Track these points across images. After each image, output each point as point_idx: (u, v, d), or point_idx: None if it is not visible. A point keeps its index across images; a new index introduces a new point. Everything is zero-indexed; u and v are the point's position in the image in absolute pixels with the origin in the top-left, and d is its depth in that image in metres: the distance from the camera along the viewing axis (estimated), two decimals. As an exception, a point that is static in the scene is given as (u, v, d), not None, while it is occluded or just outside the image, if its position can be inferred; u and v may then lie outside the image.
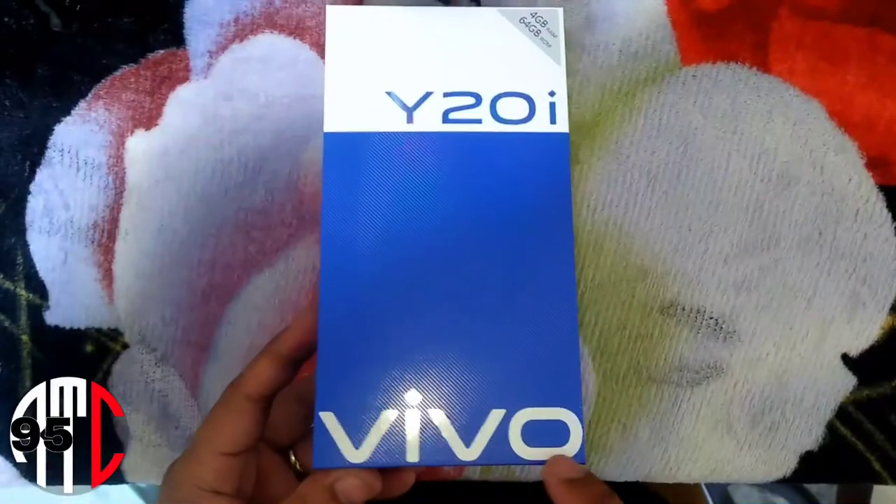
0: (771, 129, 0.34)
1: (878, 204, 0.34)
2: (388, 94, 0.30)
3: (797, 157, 0.34)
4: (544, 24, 0.31)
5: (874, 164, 0.34)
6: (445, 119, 0.30)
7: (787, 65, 0.34)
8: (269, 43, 0.35)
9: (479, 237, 0.29)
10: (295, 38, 0.35)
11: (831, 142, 0.34)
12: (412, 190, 0.29)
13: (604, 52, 0.34)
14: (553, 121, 0.30)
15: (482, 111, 0.30)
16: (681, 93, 0.34)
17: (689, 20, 0.35)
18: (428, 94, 0.30)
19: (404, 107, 0.30)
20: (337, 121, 0.30)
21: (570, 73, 0.34)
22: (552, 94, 0.30)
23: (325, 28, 0.31)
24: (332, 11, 0.31)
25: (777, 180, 0.34)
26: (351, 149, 0.29)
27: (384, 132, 0.29)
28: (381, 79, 0.30)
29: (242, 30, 0.35)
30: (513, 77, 0.30)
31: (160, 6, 0.35)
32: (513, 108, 0.30)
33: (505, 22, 0.31)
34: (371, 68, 0.30)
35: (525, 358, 0.27)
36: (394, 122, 0.30)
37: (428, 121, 0.30)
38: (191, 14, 0.35)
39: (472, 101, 0.30)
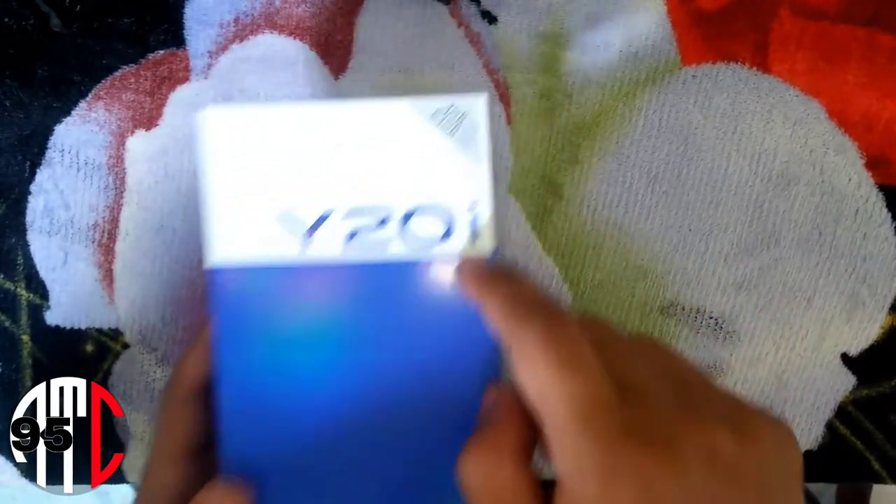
0: (771, 129, 0.34)
1: (877, 204, 0.34)
2: (281, 215, 0.26)
3: (797, 156, 0.34)
4: (462, 118, 0.26)
5: (874, 163, 0.34)
6: (349, 243, 0.26)
7: (787, 65, 0.34)
8: (269, 43, 0.35)
9: (390, 384, 0.25)
10: (295, 38, 0.35)
11: (831, 142, 0.34)
12: (315, 333, 0.25)
13: (604, 52, 0.35)
14: (475, 238, 0.25)
15: (391, 231, 0.26)
16: (681, 93, 0.34)
17: (689, 20, 0.35)
18: (327, 214, 0.26)
19: (300, 230, 0.26)
20: (223, 252, 0.26)
21: (571, 72, 0.34)
22: (473, 206, 0.26)
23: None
24: (209, 114, 0.26)
25: (777, 180, 0.34)
26: (241, 285, 0.26)
27: (277, 265, 0.26)
28: (272, 196, 0.26)
29: (242, 30, 0.35)
30: (426, 188, 0.26)
31: (160, 6, 0.35)
32: (427, 226, 0.26)
33: (414, 118, 0.26)
34: (260, 183, 0.26)
35: (435, 498, 0.25)
36: (288, 249, 0.26)
37: (328, 246, 0.26)
38: (191, 14, 0.35)
39: (378, 219, 0.26)
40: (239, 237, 0.26)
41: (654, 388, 0.21)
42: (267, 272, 0.26)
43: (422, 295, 0.25)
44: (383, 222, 0.26)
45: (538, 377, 0.20)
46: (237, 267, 0.26)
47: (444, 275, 0.25)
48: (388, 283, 0.26)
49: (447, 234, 0.26)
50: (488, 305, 0.23)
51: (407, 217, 0.26)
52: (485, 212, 0.26)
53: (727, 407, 0.21)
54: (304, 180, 0.26)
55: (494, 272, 0.24)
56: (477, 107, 0.26)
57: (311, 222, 0.26)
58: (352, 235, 0.26)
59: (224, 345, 0.25)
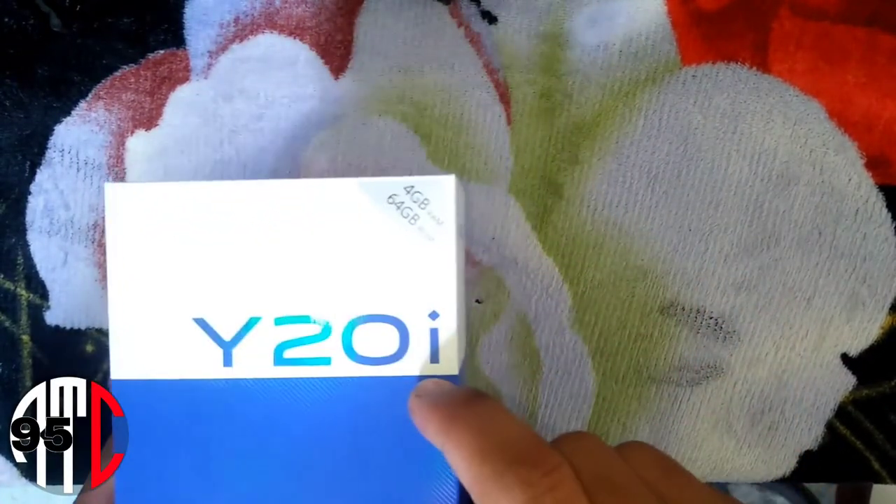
0: (771, 129, 0.34)
1: (877, 204, 0.34)
2: (198, 321, 0.22)
3: (797, 156, 0.34)
4: (424, 204, 0.21)
5: (874, 163, 0.34)
6: (279, 359, 0.21)
7: (787, 65, 0.34)
8: (269, 43, 0.35)
9: None
10: (295, 38, 0.35)
11: (831, 142, 0.34)
12: (238, 462, 0.21)
13: (604, 52, 0.35)
14: (435, 358, 0.21)
15: (331, 346, 0.21)
16: (681, 93, 0.34)
17: (689, 20, 0.35)
18: (253, 322, 0.21)
19: (220, 342, 0.21)
20: (128, 363, 0.22)
21: (571, 72, 0.34)
22: (434, 315, 0.21)
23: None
24: (108, 191, 0.22)
25: (777, 180, 0.34)
26: (150, 403, 0.22)
27: (193, 380, 0.22)
28: (186, 298, 0.22)
29: (242, 30, 0.35)
30: (376, 291, 0.21)
31: (160, 6, 0.35)
32: (376, 341, 0.21)
33: (365, 203, 0.21)
34: (172, 282, 0.22)
35: None
36: (207, 364, 0.21)
37: (253, 362, 0.21)
38: (191, 14, 0.35)
39: (316, 330, 0.21)
40: (148, 347, 0.22)
41: None
42: (181, 387, 0.22)
43: (367, 423, 0.21)
44: (322, 335, 0.21)
45: None
46: (144, 380, 0.22)
47: (394, 403, 0.21)
48: (325, 405, 0.21)
49: (401, 351, 0.21)
50: (452, 451, 0.18)
51: (351, 328, 0.21)
52: (449, 325, 0.21)
53: None
54: (227, 279, 0.21)
55: (459, 405, 0.19)
56: (445, 189, 0.20)
57: (235, 331, 0.21)
58: (282, 349, 0.21)
59: (126, 472, 0.22)
